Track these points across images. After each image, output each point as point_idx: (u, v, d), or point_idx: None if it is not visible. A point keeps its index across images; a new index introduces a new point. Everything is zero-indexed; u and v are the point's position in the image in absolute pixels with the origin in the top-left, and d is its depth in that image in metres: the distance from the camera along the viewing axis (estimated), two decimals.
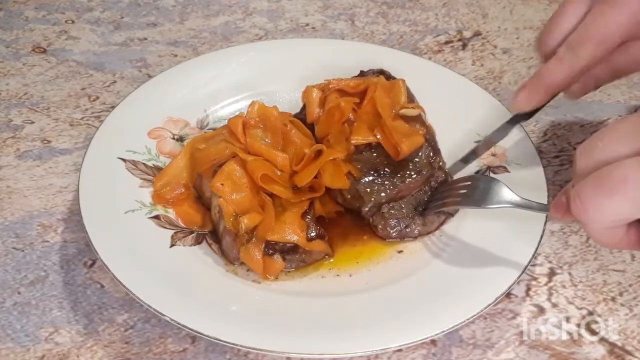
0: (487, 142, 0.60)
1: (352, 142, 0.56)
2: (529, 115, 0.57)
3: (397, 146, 0.55)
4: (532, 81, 0.54)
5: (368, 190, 0.55)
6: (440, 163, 0.57)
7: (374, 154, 0.56)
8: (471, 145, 0.61)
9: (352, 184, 0.55)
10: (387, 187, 0.55)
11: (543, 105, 0.55)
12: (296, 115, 0.60)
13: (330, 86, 0.58)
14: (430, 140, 0.58)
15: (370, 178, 0.55)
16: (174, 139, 0.62)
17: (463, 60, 0.77)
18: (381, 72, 0.62)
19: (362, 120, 0.57)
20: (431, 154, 0.57)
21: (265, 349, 0.45)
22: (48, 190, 0.61)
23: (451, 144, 0.61)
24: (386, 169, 0.55)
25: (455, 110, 0.64)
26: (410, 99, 0.60)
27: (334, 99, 0.58)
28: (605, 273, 0.54)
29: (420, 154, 0.56)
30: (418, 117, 0.58)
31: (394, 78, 0.61)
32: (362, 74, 0.62)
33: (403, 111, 0.57)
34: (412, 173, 0.56)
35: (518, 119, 0.58)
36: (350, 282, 0.52)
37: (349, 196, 0.55)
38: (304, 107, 0.60)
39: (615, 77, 0.56)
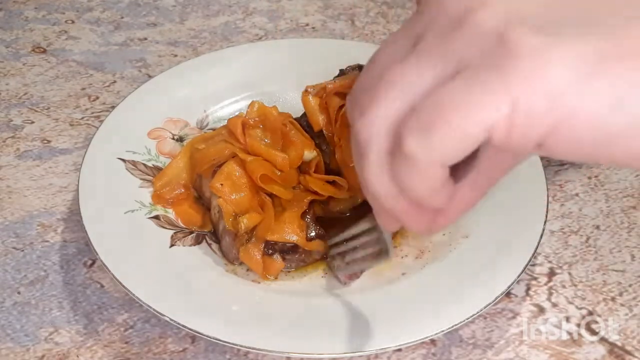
0: None
1: None
2: None
3: None
4: None
5: None
6: None
7: None
8: None
9: None
10: None
11: None
12: (297, 120, 0.60)
13: (327, 90, 0.58)
14: None
15: None
16: (173, 139, 0.62)
17: None
18: (360, 68, 0.62)
19: None
20: None
21: (265, 349, 0.45)
22: (48, 190, 0.61)
23: None
24: None
25: None
26: None
27: (338, 102, 0.57)
28: (605, 273, 0.54)
29: None
30: None
31: None
32: (342, 72, 0.62)
33: None
34: None
35: None
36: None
37: None
38: (305, 113, 0.60)
39: None
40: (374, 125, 0.31)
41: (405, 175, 0.30)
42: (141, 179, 0.57)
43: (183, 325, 0.45)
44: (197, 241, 0.54)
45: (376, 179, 0.32)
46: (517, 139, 0.27)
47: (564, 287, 0.53)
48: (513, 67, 0.27)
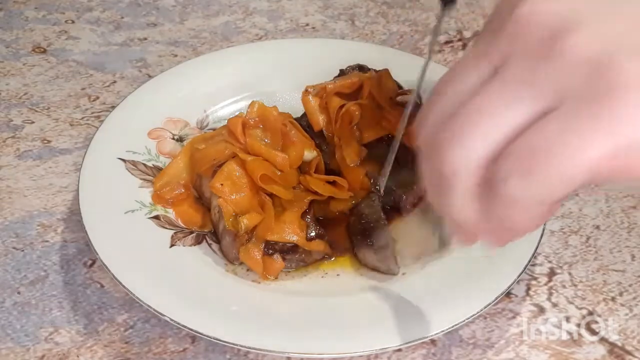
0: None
1: (365, 139, 0.56)
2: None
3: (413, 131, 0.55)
4: None
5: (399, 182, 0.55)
6: None
7: (387, 146, 0.56)
8: None
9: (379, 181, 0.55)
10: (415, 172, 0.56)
11: None
12: (297, 120, 0.60)
13: (327, 90, 0.58)
14: None
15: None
16: (174, 139, 0.62)
17: None
18: (360, 67, 0.62)
19: (365, 117, 0.57)
20: None
21: (265, 349, 0.45)
22: (48, 190, 0.61)
23: None
24: (405, 158, 0.56)
25: None
26: (399, 86, 0.60)
27: (338, 102, 0.57)
28: (605, 273, 0.54)
29: None
30: None
31: (375, 70, 0.61)
32: (342, 72, 0.62)
33: (399, 98, 0.58)
34: None
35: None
36: (350, 281, 0.52)
37: (382, 194, 0.56)
38: (305, 113, 0.60)
39: None
40: (462, 160, 0.29)
41: (505, 212, 0.29)
42: (141, 179, 0.57)
43: (183, 325, 0.45)
44: (197, 241, 0.54)
45: (465, 209, 0.30)
46: (623, 175, 0.26)
47: (564, 287, 0.53)
48: (617, 102, 0.25)
